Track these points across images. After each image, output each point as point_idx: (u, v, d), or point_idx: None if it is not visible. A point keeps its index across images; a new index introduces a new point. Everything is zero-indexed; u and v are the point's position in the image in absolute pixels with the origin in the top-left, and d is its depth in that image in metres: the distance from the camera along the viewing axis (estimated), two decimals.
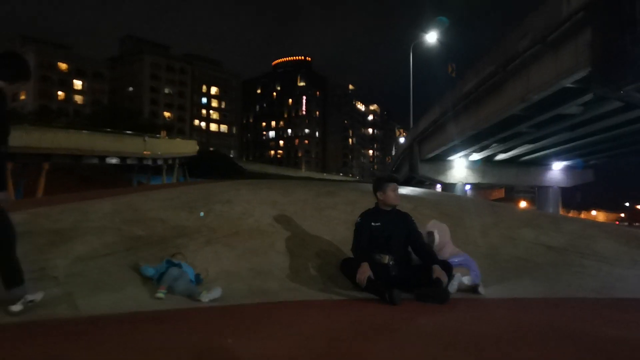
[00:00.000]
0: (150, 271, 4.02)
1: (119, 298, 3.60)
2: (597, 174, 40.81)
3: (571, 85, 17.51)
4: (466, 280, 4.36)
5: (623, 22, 12.88)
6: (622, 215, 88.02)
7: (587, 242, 5.87)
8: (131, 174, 36.82)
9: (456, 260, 4.42)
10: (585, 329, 3.09)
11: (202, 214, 5.38)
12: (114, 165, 35.31)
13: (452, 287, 4.23)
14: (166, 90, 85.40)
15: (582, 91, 17.86)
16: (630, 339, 2.83)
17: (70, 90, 77.25)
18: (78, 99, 78.44)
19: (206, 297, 3.72)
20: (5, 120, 3.12)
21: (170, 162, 40.62)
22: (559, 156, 34.60)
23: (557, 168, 37.69)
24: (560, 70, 16.89)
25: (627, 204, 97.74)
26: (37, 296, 3.16)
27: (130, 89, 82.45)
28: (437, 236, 4.65)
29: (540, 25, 17.35)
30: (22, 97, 69.70)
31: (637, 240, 6.28)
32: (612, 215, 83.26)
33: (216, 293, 3.80)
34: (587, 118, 22.20)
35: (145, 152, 36.35)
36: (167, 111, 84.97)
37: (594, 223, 8.01)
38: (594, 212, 79.53)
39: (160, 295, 3.69)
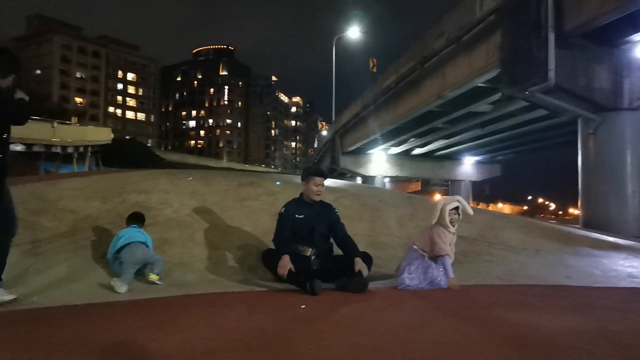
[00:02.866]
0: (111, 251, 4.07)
1: (22, 292, 3.35)
2: (503, 169, 43.70)
3: (482, 85, 18.53)
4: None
5: (530, 26, 13.74)
6: (525, 207, 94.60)
7: (495, 233, 6.24)
8: (37, 162, 34.31)
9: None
10: (491, 312, 3.29)
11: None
12: (19, 152, 32.80)
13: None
14: (78, 74, 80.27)
15: (492, 90, 18.96)
16: (531, 321, 3.04)
17: None
18: None
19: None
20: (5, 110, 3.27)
21: (81, 150, 38.37)
22: (470, 151, 36.58)
23: (469, 163, 39.91)
24: (473, 70, 17.79)
25: (529, 198, 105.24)
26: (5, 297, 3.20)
27: (38, 71, 76.64)
28: (468, 209, 4.33)
29: (455, 26, 18.15)
30: None
31: (539, 230, 6.78)
32: (516, 208, 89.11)
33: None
34: (496, 116, 23.64)
35: (53, 139, 34.08)
36: (78, 96, 79.94)
37: (501, 215, 8.54)
38: (500, 205, 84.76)
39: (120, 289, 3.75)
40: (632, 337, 2.73)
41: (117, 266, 3.97)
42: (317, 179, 4.36)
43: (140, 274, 4.05)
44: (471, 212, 4.36)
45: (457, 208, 4.28)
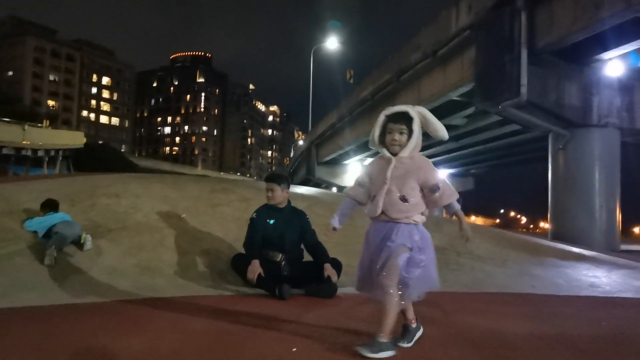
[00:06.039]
0: (33, 225, 4.34)
1: None
2: (477, 182, 44.32)
3: (457, 98, 18.87)
4: None
5: (503, 43, 14.11)
6: (498, 220, 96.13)
7: (463, 242, 6.33)
8: (6, 165, 33.49)
9: None
10: (456, 318, 3.35)
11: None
12: None
13: None
14: (51, 77, 78.79)
15: (467, 104, 19.32)
16: (494, 327, 3.11)
17: None
18: None
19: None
20: None
21: (52, 153, 37.62)
22: (444, 164, 37.05)
23: (443, 175, 40.29)
24: (448, 84, 18.12)
25: (502, 211, 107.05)
26: None
27: (10, 73, 74.99)
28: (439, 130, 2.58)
29: (431, 40, 18.49)
30: None
31: (507, 241, 6.92)
32: (489, 221, 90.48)
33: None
34: (470, 129, 24.05)
35: (24, 142, 33.36)
36: (51, 100, 78.44)
37: (471, 226, 8.64)
38: (473, 218, 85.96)
39: (49, 260, 3.93)
40: (589, 342, 2.82)
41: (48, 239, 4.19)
42: (267, 184, 4.36)
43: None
44: (444, 134, 2.61)
45: (406, 118, 2.50)
